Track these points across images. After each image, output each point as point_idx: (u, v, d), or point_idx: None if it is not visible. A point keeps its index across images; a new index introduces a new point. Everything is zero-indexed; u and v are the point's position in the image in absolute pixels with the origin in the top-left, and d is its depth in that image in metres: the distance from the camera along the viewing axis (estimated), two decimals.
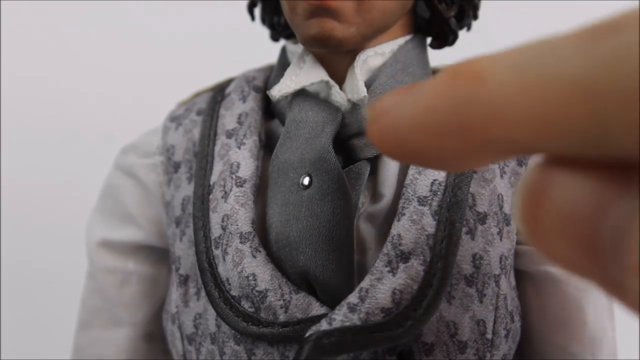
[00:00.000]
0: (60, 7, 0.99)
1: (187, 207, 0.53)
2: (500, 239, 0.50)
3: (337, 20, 0.47)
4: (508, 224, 0.51)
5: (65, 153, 1.00)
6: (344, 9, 0.47)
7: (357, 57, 0.50)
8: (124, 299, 0.58)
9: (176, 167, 0.55)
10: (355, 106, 0.50)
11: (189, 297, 0.52)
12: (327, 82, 0.50)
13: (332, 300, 0.47)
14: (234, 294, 0.48)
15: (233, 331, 0.48)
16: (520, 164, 0.52)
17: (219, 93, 0.57)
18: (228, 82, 0.59)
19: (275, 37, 0.60)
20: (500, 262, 0.50)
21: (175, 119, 0.57)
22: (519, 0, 0.98)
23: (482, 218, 0.49)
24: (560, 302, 0.53)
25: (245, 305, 0.47)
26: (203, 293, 0.50)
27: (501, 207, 0.51)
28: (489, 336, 0.48)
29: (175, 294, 0.53)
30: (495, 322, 0.49)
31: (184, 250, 0.53)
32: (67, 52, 1.01)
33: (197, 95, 0.59)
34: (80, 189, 0.95)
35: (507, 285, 0.51)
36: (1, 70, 0.99)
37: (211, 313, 0.50)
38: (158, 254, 0.59)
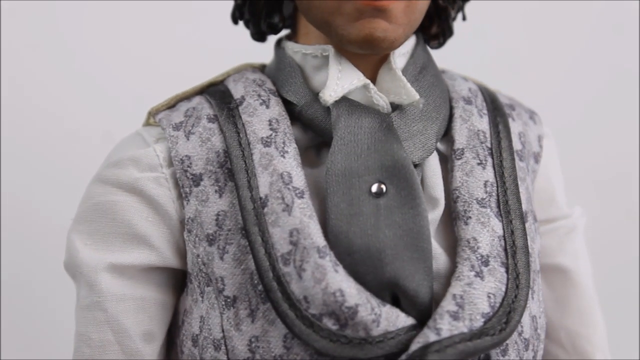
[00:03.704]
0: (60, 7, 0.99)
1: (225, 222, 0.49)
2: (537, 235, 0.52)
3: (388, 21, 0.46)
4: (536, 221, 0.52)
5: (65, 153, 1.00)
6: (395, 10, 0.46)
7: (392, 59, 0.49)
8: (141, 328, 0.52)
9: (196, 179, 0.50)
10: (400, 109, 0.49)
11: (240, 319, 0.48)
12: (365, 85, 0.49)
13: (414, 310, 0.45)
14: (313, 312, 0.45)
15: (309, 352, 0.45)
16: (537, 161, 0.53)
17: (225, 97, 0.53)
18: (221, 84, 0.55)
19: (260, 38, 0.58)
20: (539, 258, 0.51)
21: (179, 127, 0.52)
22: (519, 0, 0.98)
23: (525, 216, 0.50)
24: (573, 291, 0.55)
25: (328, 323, 0.45)
26: (259, 314, 0.47)
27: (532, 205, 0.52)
28: (540, 331, 0.49)
29: (217, 318, 0.49)
30: (540, 317, 0.50)
31: (228, 270, 0.48)
32: (67, 52, 1.01)
33: (179, 99, 0.55)
34: (80, 189, 0.95)
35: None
36: (1, 70, 0.99)
37: (275, 335, 0.46)
38: (167, 276, 0.54)
